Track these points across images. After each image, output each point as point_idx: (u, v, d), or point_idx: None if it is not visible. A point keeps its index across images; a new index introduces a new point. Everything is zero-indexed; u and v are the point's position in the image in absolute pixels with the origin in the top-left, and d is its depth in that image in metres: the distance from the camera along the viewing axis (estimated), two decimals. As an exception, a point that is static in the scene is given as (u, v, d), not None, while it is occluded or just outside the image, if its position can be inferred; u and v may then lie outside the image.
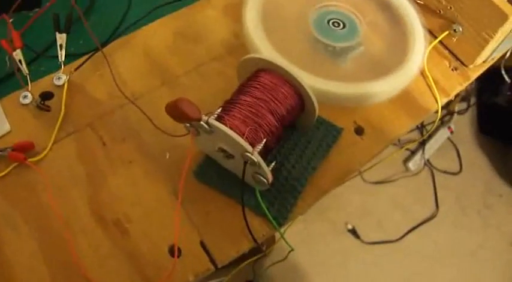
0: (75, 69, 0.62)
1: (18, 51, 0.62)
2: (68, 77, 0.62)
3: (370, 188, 1.44)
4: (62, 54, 0.62)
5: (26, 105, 0.61)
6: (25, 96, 0.61)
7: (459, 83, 0.66)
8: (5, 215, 0.55)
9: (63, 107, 0.60)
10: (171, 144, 0.58)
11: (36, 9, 0.74)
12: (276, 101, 0.52)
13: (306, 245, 1.35)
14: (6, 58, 0.66)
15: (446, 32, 0.65)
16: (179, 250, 0.53)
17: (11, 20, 0.65)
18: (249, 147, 0.47)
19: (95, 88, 0.62)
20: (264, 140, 0.50)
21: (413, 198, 1.44)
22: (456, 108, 1.52)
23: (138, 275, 0.52)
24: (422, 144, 1.47)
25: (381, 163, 1.46)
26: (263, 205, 0.52)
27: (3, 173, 0.57)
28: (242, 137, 0.48)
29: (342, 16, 0.63)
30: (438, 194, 1.43)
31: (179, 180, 0.56)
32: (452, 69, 0.66)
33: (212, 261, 0.53)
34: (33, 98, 0.60)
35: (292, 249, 0.59)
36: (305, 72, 0.58)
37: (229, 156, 0.52)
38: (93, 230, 0.54)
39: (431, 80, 0.64)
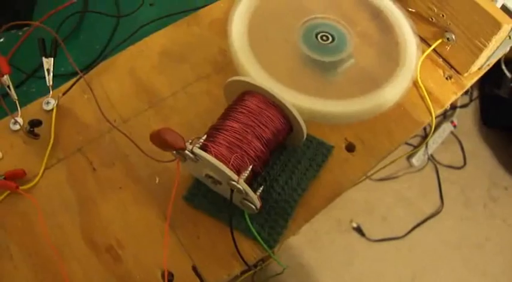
0: (63, 94, 0.62)
1: (6, 77, 0.62)
2: (56, 101, 0.61)
3: (374, 185, 1.43)
4: (49, 79, 0.62)
5: (17, 131, 0.61)
6: (15, 122, 0.61)
7: (453, 92, 0.64)
8: (0, 245, 0.56)
9: (52, 134, 0.60)
10: (160, 168, 0.57)
11: (26, 28, 0.74)
12: (261, 126, 0.51)
13: (312, 244, 1.35)
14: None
15: (440, 41, 0.64)
16: (171, 275, 0.54)
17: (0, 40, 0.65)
18: (234, 176, 0.47)
19: (84, 112, 0.62)
20: (250, 166, 0.49)
21: (418, 193, 1.43)
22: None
23: (132, 302, 0.53)
24: (426, 138, 1.45)
25: (384, 160, 1.45)
26: (253, 229, 0.52)
27: (-4, 201, 0.57)
28: (227, 165, 0.47)
29: (331, 29, 0.62)
30: (443, 189, 1.41)
31: (168, 204, 0.56)
32: (446, 78, 0.65)
33: (204, 284, 0.53)
34: (24, 124, 0.60)
35: (285, 268, 0.59)
36: (293, 91, 0.58)
37: (217, 182, 0.52)
38: (86, 256, 0.54)
39: (425, 91, 0.62)
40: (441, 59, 0.66)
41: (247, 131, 0.51)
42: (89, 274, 0.54)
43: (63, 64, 0.69)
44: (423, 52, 0.64)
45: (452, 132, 1.48)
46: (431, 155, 1.46)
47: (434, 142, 1.45)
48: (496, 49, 0.62)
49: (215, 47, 0.65)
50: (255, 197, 0.49)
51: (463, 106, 1.51)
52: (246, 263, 0.54)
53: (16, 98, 0.62)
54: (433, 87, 0.64)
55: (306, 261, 1.32)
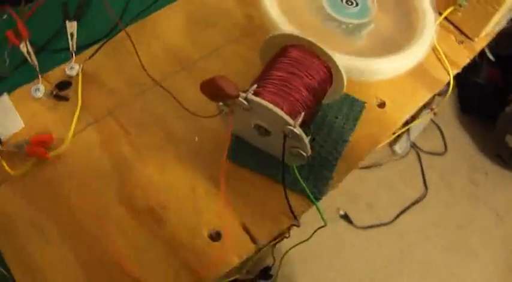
0: (89, 57, 0.60)
1: (25, 42, 0.59)
2: (81, 66, 0.59)
3: (358, 173, 1.46)
4: (73, 44, 0.60)
5: (39, 98, 0.58)
6: (37, 89, 0.58)
7: (466, 55, 0.68)
8: (31, 220, 0.52)
9: (80, 97, 0.57)
10: (199, 127, 0.56)
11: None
12: (309, 75, 0.52)
13: (298, 234, 1.35)
14: (6, 54, 0.62)
15: (452, 8, 0.67)
16: (218, 233, 0.52)
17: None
18: (290, 121, 0.47)
19: (111, 76, 0.60)
20: (302, 113, 0.49)
21: (402, 180, 1.47)
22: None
23: (180, 264, 0.50)
24: (406, 125, 1.50)
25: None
26: (301, 180, 0.52)
27: (21, 170, 0.53)
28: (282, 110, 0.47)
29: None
30: (426, 175, 1.47)
31: (210, 163, 0.55)
32: (458, 43, 0.68)
33: (253, 240, 0.52)
34: (46, 90, 0.58)
35: (325, 224, 0.59)
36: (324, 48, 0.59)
37: (265, 133, 0.51)
38: (126, 221, 0.52)
39: (442, 54, 0.66)
40: (452, 26, 0.70)
41: (295, 80, 0.51)
42: (131, 239, 0.51)
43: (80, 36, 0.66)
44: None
45: (432, 120, 1.54)
46: (413, 143, 1.51)
47: (416, 129, 1.50)
48: (505, 14, 0.66)
49: (241, 13, 0.66)
50: (307, 141, 0.49)
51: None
52: (295, 217, 0.53)
53: (36, 64, 0.59)
54: (447, 51, 0.67)
55: (295, 250, 1.32)
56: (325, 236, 1.37)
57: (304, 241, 0.64)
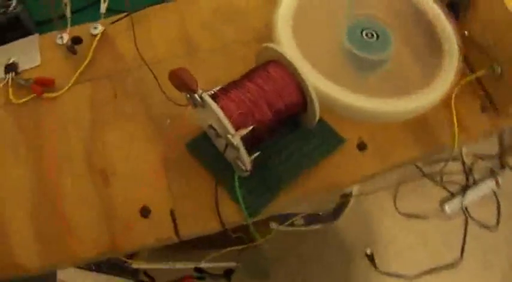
0: (112, 23, 0.66)
1: (67, -4, 0.66)
2: (103, 28, 0.65)
3: (400, 218, 1.41)
4: (103, 6, 0.66)
5: (60, 45, 0.65)
6: (61, 37, 0.65)
7: (485, 128, 0.61)
8: (11, 138, 0.60)
9: (90, 54, 0.63)
10: (175, 112, 0.59)
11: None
12: (276, 94, 0.52)
13: (319, 258, 1.34)
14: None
15: (484, 70, 0.61)
16: (149, 211, 0.55)
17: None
18: (231, 129, 0.48)
19: (123, 45, 0.65)
20: (251, 127, 0.50)
21: (440, 241, 1.37)
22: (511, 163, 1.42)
23: (105, 225, 0.54)
24: (465, 189, 1.40)
25: (417, 197, 1.42)
26: (238, 190, 0.52)
27: (21, 101, 0.61)
28: (228, 119, 0.48)
29: (376, 27, 0.61)
30: (467, 244, 1.35)
31: (171, 147, 0.58)
32: (481, 109, 0.62)
33: (176, 232, 0.54)
34: (67, 41, 0.64)
35: (262, 243, 0.58)
36: (323, 77, 0.58)
37: (218, 135, 0.53)
38: (80, 172, 0.57)
39: (455, 113, 0.60)
40: (482, 90, 0.63)
41: (260, 95, 0.51)
42: (77, 190, 0.56)
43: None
44: (465, 76, 0.61)
45: (493, 191, 1.42)
46: (466, 207, 1.40)
47: (473, 195, 1.39)
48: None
49: (261, 19, 0.66)
50: (246, 156, 0.49)
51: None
52: (221, 221, 0.54)
53: (69, 15, 0.66)
54: (464, 115, 0.61)
55: (308, 272, 1.32)
56: (343, 269, 1.34)
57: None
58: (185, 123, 0.59)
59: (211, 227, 0.54)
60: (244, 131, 0.49)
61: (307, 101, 0.53)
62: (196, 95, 0.49)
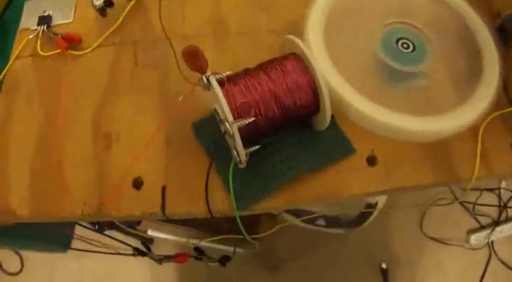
0: (148, -9, 0.65)
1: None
2: (140, -4, 0.65)
3: (423, 239, 1.38)
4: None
5: (95, 6, 0.65)
6: (97, -1, 0.66)
7: (511, 166, 0.56)
8: (29, 87, 0.62)
9: (121, 19, 0.64)
10: (188, 90, 0.58)
11: None
12: (286, 89, 0.49)
13: (333, 262, 1.33)
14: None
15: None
16: (142, 182, 0.55)
17: None
18: (230, 116, 0.46)
19: (155, 14, 0.64)
20: (253, 118, 0.48)
21: (458, 270, 1.33)
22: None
23: (97, 189, 0.55)
24: (496, 224, 1.33)
25: (445, 221, 1.35)
26: (231, 180, 0.51)
27: (47, 54, 0.63)
28: (230, 105, 0.47)
29: (415, 38, 0.58)
30: (484, 279, 1.29)
31: (178, 123, 0.57)
32: (510, 146, 0.57)
33: (163, 209, 0.53)
34: (102, 3, 0.65)
35: (256, 249, 0.57)
36: (344, 80, 0.55)
37: (221, 120, 0.51)
38: (85, 133, 0.58)
39: (480, 145, 0.55)
40: (517, 125, 0.58)
41: (270, 88, 0.49)
42: (80, 147, 0.58)
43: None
44: (501, 107, 0.56)
45: None
46: (492, 242, 1.33)
47: (502, 231, 1.32)
48: None
49: (300, 9, 0.63)
50: (241, 147, 0.48)
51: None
52: (209, 208, 0.53)
53: (109, -22, 0.66)
54: (490, 148, 0.56)
55: (316, 271, 1.31)
56: (353, 276, 1.32)
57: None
58: (196, 104, 0.58)
59: (198, 211, 0.53)
60: (243, 121, 0.47)
61: (318, 102, 0.51)
62: (203, 76, 0.48)
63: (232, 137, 0.47)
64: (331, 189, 0.54)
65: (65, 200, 0.55)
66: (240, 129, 0.47)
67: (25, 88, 0.61)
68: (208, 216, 0.54)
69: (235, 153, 0.49)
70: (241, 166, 0.51)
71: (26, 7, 0.67)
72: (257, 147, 0.51)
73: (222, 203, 0.53)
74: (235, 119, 0.47)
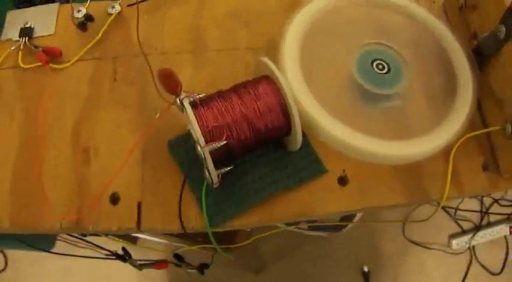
0: (128, 5, 0.66)
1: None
2: (120, 9, 0.65)
3: (405, 242, 1.40)
4: (126, -12, 0.66)
5: (77, 19, 0.66)
6: (79, 11, 0.66)
7: (483, 187, 0.57)
8: (10, 99, 0.62)
9: (101, 33, 0.64)
10: (166, 107, 0.59)
11: None
12: (258, 113, 0.50)
13: (315, 263, 1.35)
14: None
15: (498, 127, 0.57)
16: (119, 200, 0.56)
17: None
18: (201, 140, 0.47)
19: (135, 29, 0.64)
20: (224, 141, 0.49)
21: (439, 274, 1.37)
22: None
23: (75, 203, 0.56)
24: (477, 229, 1.35)
25: (427, 225, 1.37)
26: (203, 198, 0.52)
27: (28, 66, 0.63)
28: (202, 129, 0.48)
29: (390, 59, 0.58)
30: (465, 282, 1.32)
31: (154, 141, 0.58)
32: (482, 168, 0.58)
33: (138, 225, 0.54)
34: (84, 15, 0.65)
35: (232, 259, 0.58)
36: (317, 103, 0.55)
37: (194, 141, 0.52)
38: (65, 146, 0.59)
39: (451, 166, 0.56)
40: (489, 147, 0.59)
41: (241, 111, 0.50)
42: (59, 161, 0.58)
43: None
44: (475, 128, 0.57)
45: (505, 237, 1.37)
46: (473, 247, 1.36)
47: (483, 236, 1.35)
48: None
49: (279, 23, 0.64)
50: (213, 170, 0.49)
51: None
52: (182, 224, 0.54)
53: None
54: (462, 169, 0.57)
55: (301, 273, 1.33)
56: (335, 278, 1.34)
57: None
58: (173, 120, 0.59)
59: (172, 227, 0.54)
60: (214, 145, 0.48)
61: (290, 124, 0.52)
62: (177, 99, 0.49)
63: (202, 158, 0.48)
64: (305, 208, 0.55)
65: (45, 212, 0.55)
66: (212, 152, 0.48)
67: (5, 100, 0.62)
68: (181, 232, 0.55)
69: (207, 174, 0.51)
70: (214, 186, 0.52)
71: (8, 17, 0.67)
72: (229, 168, 0.52)
73: (196, 220, 0.54)
74: (207, 141, 0.48)
